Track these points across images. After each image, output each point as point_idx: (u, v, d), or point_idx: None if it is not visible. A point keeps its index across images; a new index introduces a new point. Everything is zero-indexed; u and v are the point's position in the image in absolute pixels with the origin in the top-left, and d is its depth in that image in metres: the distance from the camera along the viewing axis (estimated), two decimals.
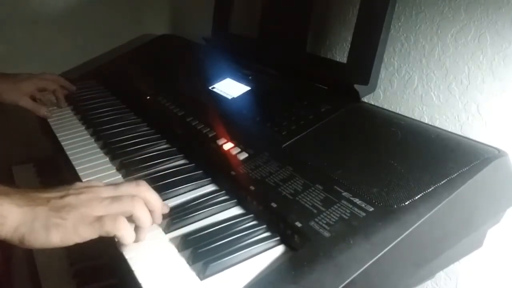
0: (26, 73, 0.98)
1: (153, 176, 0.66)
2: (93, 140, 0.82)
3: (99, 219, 0.47)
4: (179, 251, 0.51)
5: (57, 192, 0.49)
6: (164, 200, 0.60)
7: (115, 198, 0.49)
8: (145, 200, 0.51)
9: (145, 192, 0.52)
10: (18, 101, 0.93)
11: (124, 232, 0.48)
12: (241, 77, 0.86)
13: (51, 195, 0.49)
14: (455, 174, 0.50)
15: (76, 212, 0.47)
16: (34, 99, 0.96)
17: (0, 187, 0.48)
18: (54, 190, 0.50)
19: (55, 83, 1.00)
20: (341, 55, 0.89)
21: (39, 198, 0.48)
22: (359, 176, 0.54)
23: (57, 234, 0.46)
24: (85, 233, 0.47)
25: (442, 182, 0.50)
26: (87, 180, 0.54)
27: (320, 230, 0.48)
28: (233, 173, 0.62)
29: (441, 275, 0.74)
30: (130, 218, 0.50)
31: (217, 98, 0.84)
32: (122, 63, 1.19)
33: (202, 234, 0.53)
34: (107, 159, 0.73)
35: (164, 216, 0.55)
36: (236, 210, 0.58)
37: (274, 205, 0.54)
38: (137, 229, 0.51)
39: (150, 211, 0.52)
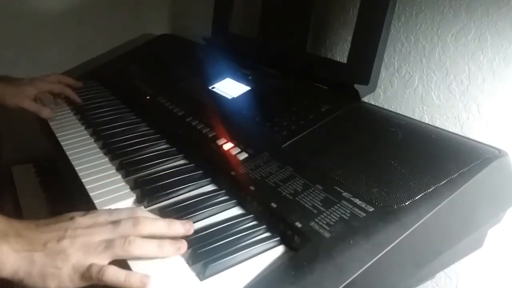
0: (28, 78, 0.98)
1: (153, 176, 0.66)
2: (92, 140, 0.81)
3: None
4: None
5: (55, 232, 0.49)
6: (163, 200, 0.61)
7: (109, 244, 0.48)
8: (147, 234, 0.50)
9: (143, 229, 0.50)
10: (22, 104, 0.93)
11: (113, 278, 0.46)
12: (241, 77, 0.86)
13: (48, 237, 0.49)
14: (456, 174, 0.50)
15: (72, 260, 0.47)
16: (37, 101, 0.96)
17: (0, 225, 0.48)
18: (54, 226, 0.50)
19: (60, 84, 1.00)
20: (341, 55, 0.89)
21: (36, 242, 0.48)
22: (359, 176, 0.54)
23: (53, 283, 0.47)
24: (79, 283, 0.48)
25: (442, 182, 0.49)
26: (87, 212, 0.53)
27: (320, 230, 0.48)
28: (233, 173, 0.61)
29: (441, 275, 0.74)
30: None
31: (217, 98, 0.83)
32: (122, 63, 1.19)
33: (202, 235, 0.53)
34: (107, 159, 0.73)
35: (164, 217, 0.55)
36: (236, 211, 0.58)
37: (274, 205, 0.53)
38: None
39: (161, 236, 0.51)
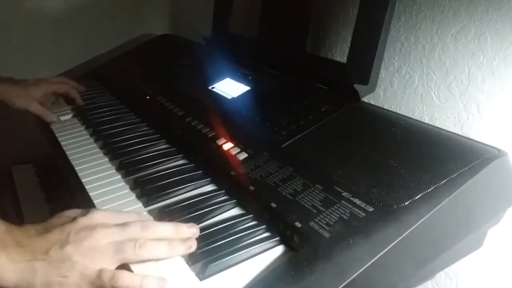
0: (34, 79, 0.98)
1: (152, 176, 0.66)
2: (92, 140, 0.81)
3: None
4: None
5: (56, 237, 0.47)
6: (163, 200, 0.61)
7: (119, 247, 0.46)
8: (155, 238, 0.49)
9: (153, 233, 0.49)
10: (28, 107, 0.93)
11: (129, 284, 0.45)
12: (241, 77, 0.86)
13: (49, 244, 0.46)
14: (455, 174, 0.50)
15: (78, 267, 0.45)
16: (43, 104, 0.96)
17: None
18: (54, 232, 0.47)
19: (64, 85, 1.00)
20: (341, 55, 0.89)
21: (37, 251, 0.45)
22: (359, 176, 0.54)
23: None
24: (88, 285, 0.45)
25: (442, 182, 0.49)
26: (89, 211, 0.51)
27: (320, 230, 0.48)
28: (232, 173, 0.61)
29: (441, 275, 0.74)
30: None
31: (217, 98, 0.83)
32: (122, 63, 1.19)
33: (202, 234, 0.52)
34: (107, 159, 0.73)
35: (164, 217, 0.55)
36: (235, 210, 0.58)
37: (273, 205, 0.53)
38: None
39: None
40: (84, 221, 0.48)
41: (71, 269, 0.45)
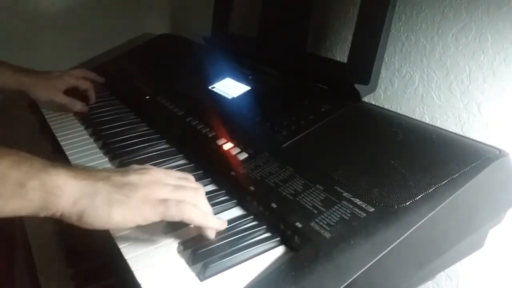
0: (57, 71, 0.99)
1: None
2: (92, 140, 0.81)
3: (164, 202, 0.46)
4: (178, 251, 0.51)
5: (117, 171, 0.47)
6: None
7: (177, 187, 0.48)
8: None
9: (200, 203, 0.50)
10: (54, 98, 0.93)
11: (191, 215, 0.46)
12: (241, 77, 0.86)
13: (110, 173, 0.46)
14: (456, 174, 0.50)
15: (140, 191, 0.45)
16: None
17: (56, 163, 0.46)
18: (113, 170, 0.50)
19: (86, 80, 1.00)
20: (342, 55, 0.89)
21: (98, 174, 0.46)
22: (359, 176, 0.54)
23: (120, 212, 0.44)
24: (149, 215, 0.45)
25: (443, 183, 0.49)
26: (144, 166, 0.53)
27: (321, 230, 0.47)
28: (233, 173, 0.61)
29: (442, 275, 0.74)
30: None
31: (217, 98, 0.83)
32: (121, 62, 1.19)
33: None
34: (107, 159, 0.73)
35: None
36: (236, 211, 0.58)
37: (274, 205, 0.53)
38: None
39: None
40: (140, 166, 0.51)
41: (134, 190, 0.45)
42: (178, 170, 0.66)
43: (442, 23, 0.70)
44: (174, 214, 0.46)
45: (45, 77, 0.95)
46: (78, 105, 0.93)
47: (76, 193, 0.43)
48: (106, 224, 0.44)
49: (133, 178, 0.47)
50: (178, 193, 0.48)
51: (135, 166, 0.51)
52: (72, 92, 0.97)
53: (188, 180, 0.53)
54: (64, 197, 0.43)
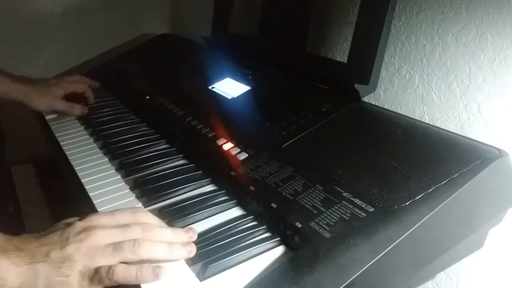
0: (51, 78, 1.00)
1: (152, 176, 0.66)
2: (92, 140, 0.81)
3: (97, 270, 0.46)
4: None
5: (56, 240, 0.47)
6: (163, 200, 0.61)
7: (116, 247, 0.47)
8: (155, 240, 0.49)
9: (152, 236, 0.49)
10: (53, 105, 0.93)
11: (125, 275, 0.45)
12: (241, 77, 0.86)
13: (50, 247, 0.46)
14: (456, 174, 0.50)
15: (79, 266, 0.46)
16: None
17: None
18: (54, 236, 0.48)
19: (82, 84, 1.00)
20: (342, 55, 0.89)
21: (38, 253, 0.46)
22: (359, 176, 0.54)
23: None
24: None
25: (443, 182, 0.49)
26: (86, 216, 0.51)
27: (321, 230, 0.47)
28: (233, 173, 0.61)
29: (442, 275, 0.74)
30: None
31: (217, 98, 0.83)
32: (121, 62, 1.19)
33: (202, 235, 0.52)
34: (106, 159, 0.73)
35: (164, 217, 0.55)
36: (236, 211, 0.58)
37: (274, 205, 0.53)
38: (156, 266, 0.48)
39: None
40: (82, 224, 0.49)
41: (72, 268, 0.45)
42: (177, 170, 0.67)
43: (442, 23, 0.70)
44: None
45: (42, 85, 0.95)
46: (78, 110, 0.93)
47: (18, 280, 0.45)
48: None
49: (71, 249, 0.46)
50: (116, 255, 0.46)
51: (77, 226, 0.49)
52: (70, 96, 0.97)
53: (131, 227, 0.49)
54: (8, 284, 0.45)
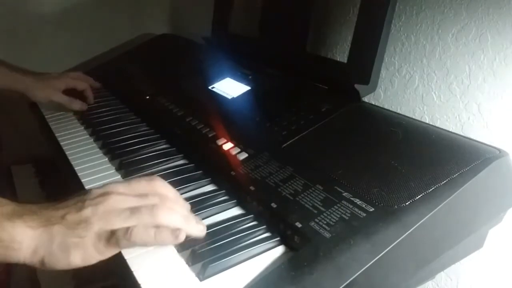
0: (54, 72, 1.00)
1: None
2: (92, 140, 0.81)
3: (114, 232, 0.45)
4: (178, 251, 0.51)
5: (72, 205, 0.47)
6: None
7: (134, 210, 0.46)
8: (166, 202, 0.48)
9: (171, 207, 0.48)
10: (52, 97, 0.94)
11: (143, 238, 0.45)
12: (241, 77, 0.86)
13: (66, 210, 0.46)
14: (456, 174, 0.50)
15: (95, 227, 0.45)
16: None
17: (13, 206, 0.46)
18: (70, 201, 0.47)
19: (84, 83, 1.00)
20: (342, 55, 0.89)
21: (53, 216, 0.45)
22: (359, 176, 0.54)
23: (77, 255, 0.44)
24: (106, 251, 0.45)
25: (443, 182, 0.49)
26: (103, 184, 0.50)
27: (321, 230, 0.47)
28: (233, 173, 0.61)
29: (442, 275, 0.74)
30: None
31: (217, 98, 0.83)
32: (121, 62, 1.19)
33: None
34: (106, 159, 0.73)
35: None
36: (236, 211, 0.58)
37: (274, 205, 0.53)
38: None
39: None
40: (99, 190, 0.49)
41: (87, 229, 0.45)
42: (177, 170, 0.67)
43: (442, 23, 0.70)
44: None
45: (43, 77, 0.96)
46: (77, 104, 0.94)
47: (33, 243, 0.44)
48: (68, 266, 0.45)
49: (87, 212, 0.46)
50: (133, 219, 0.46)
51: (94, 192, 0.48)
52: (70, 93, 0.97)
53: (148, 196, 0.49)
54: (23, 249, 0.44)
